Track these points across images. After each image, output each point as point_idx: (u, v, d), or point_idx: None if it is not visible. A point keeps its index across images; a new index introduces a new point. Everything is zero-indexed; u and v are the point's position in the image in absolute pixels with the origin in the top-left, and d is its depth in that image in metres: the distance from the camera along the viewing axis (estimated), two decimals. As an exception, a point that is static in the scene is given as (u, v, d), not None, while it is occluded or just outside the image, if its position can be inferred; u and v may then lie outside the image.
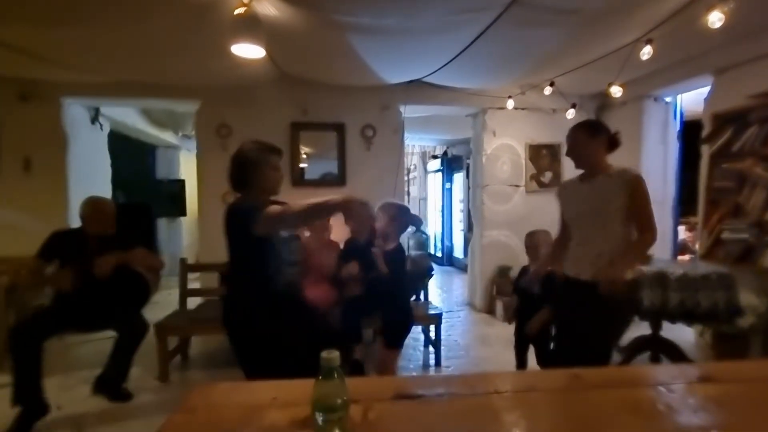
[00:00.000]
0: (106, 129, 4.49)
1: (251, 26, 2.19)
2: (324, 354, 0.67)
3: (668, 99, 4.02)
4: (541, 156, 4.47)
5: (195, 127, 4.17)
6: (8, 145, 3.73)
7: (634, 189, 1.79)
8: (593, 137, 1.90)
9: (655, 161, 4.03)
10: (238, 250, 1.69)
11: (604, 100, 4.35)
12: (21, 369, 2.12)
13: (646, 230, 1.79)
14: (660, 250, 3.81)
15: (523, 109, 4.32)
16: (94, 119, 4.23)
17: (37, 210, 3.68)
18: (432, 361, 3.18)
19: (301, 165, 4.20)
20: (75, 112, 3.99)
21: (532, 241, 2.55)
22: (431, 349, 3.30)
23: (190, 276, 3.44)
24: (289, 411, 0.82)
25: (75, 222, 2.60)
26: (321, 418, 0.65)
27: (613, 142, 1.91)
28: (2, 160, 3.71)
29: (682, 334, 3.07)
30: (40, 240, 2.40)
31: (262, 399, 0.90)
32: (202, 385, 0.98)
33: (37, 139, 3.78)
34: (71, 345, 3.22)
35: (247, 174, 1.71)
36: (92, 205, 2.50)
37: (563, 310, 2.03)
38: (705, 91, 3.31)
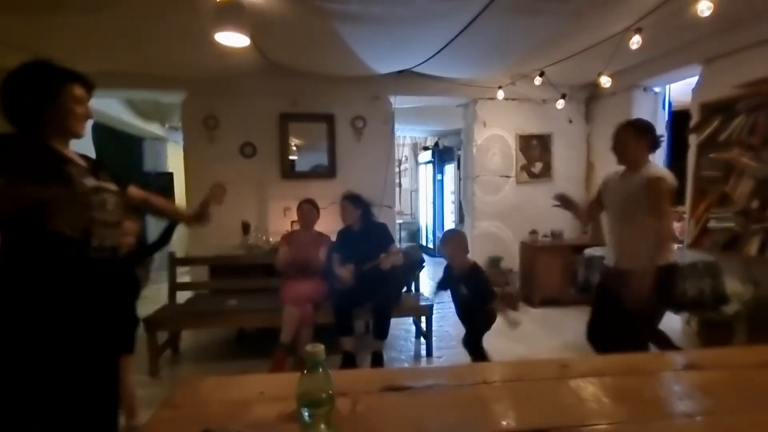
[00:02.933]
0: (90, 121, 4.38)
1: (235, 13, 2.14)
2: (309, 347, 0.66)
3: (657, 89, 4.04)
4: (532, 146, 4.48)
5: (182, 118, 4.10)
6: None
7: (649, 187, 1.89)
8: (639, 137, 1.97)
9: (644, 151, 4.07)
10: None
11: (593, 90, 4.36)
12: None
13: (659, 221, 1.87)
14: (648, 240, 3.86)
15: (513, 99, 4.31)
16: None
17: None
18: (423, 352, 3.20)
19: (291, 157, 4.15)
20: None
21: (443, 243, 2.54)
22: (422, 340, 3.32)
23: (180, 270, 3.40)
24: (277, 405, 0.81)
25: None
26: (306, 413, 0.64)
27: (655, 144, 2.01)
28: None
29: (669, 321, 3.12)
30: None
31: (249, 393, 0.89)
32: (189, 380, 0.96)
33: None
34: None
35: (36, 103, 1.17)
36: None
37: (602, 296, 2.15)
38: (693, 81, 3.33)
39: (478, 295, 2.34)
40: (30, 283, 1.13)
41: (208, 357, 3.17)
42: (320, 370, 0.65)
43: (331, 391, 0.65)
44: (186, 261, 3.65)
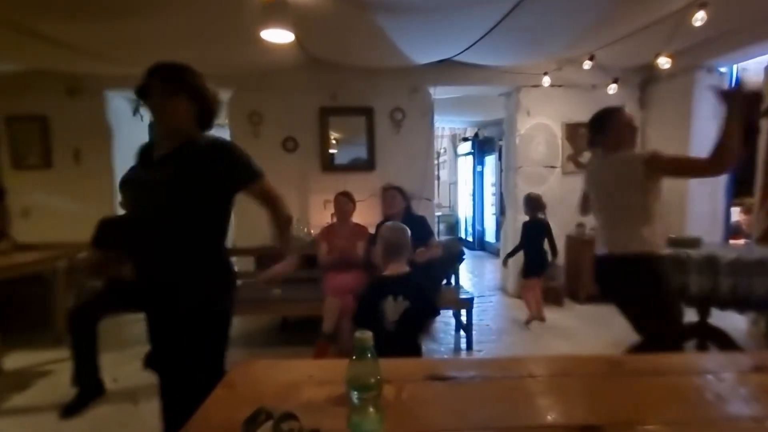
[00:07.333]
0: (147, 120, 4.69)
1: (280, 11, 2.19)
2: (358, 334, 0.68)
3: (723, 69, 3.70)
4: (579, 135, 4.26)
5: (228, 115, 4.27)
6: (59, 137, 4.02)
7: (652, 159, 1.75)
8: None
9: (707, 138, 3.73)
10: (214, 203, 1.44)
11: (649, 73, 4.07)
12: (79, 349, 2.30)
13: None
14: (710, 233, 3.58)
15: (559, 86, 4.11)
16: (136, 111, 4.43)
17: (87, 197, 3.94)
18: (463, 345, 3.18)
19: (331, 151, 4.23)
20: (118, 104, 4.20)
21: None
22: (462, 333, 3.30)
23: (228, 260, 3.57)
24: (325, 388, 0.85)
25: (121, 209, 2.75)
26: (356, 396, 0.66)
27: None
28: (54, 151, 4.02)
29: (732, 322, 2.89)
30: (92, 225, 2.56)
31: (299, 376, 0.94)
32: (243, 362, 1.02)
33: (84, 131, 4.03)
34: (125, 323, 3.46)
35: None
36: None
37: (606, 287, 2.10)
38: (766, 59, 3.03)
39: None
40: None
41: (255, 343, 3.33)
42: (369, 355, 0.67)
43: (379, 377, 0.66)
44: (233, 252, 3.83)
